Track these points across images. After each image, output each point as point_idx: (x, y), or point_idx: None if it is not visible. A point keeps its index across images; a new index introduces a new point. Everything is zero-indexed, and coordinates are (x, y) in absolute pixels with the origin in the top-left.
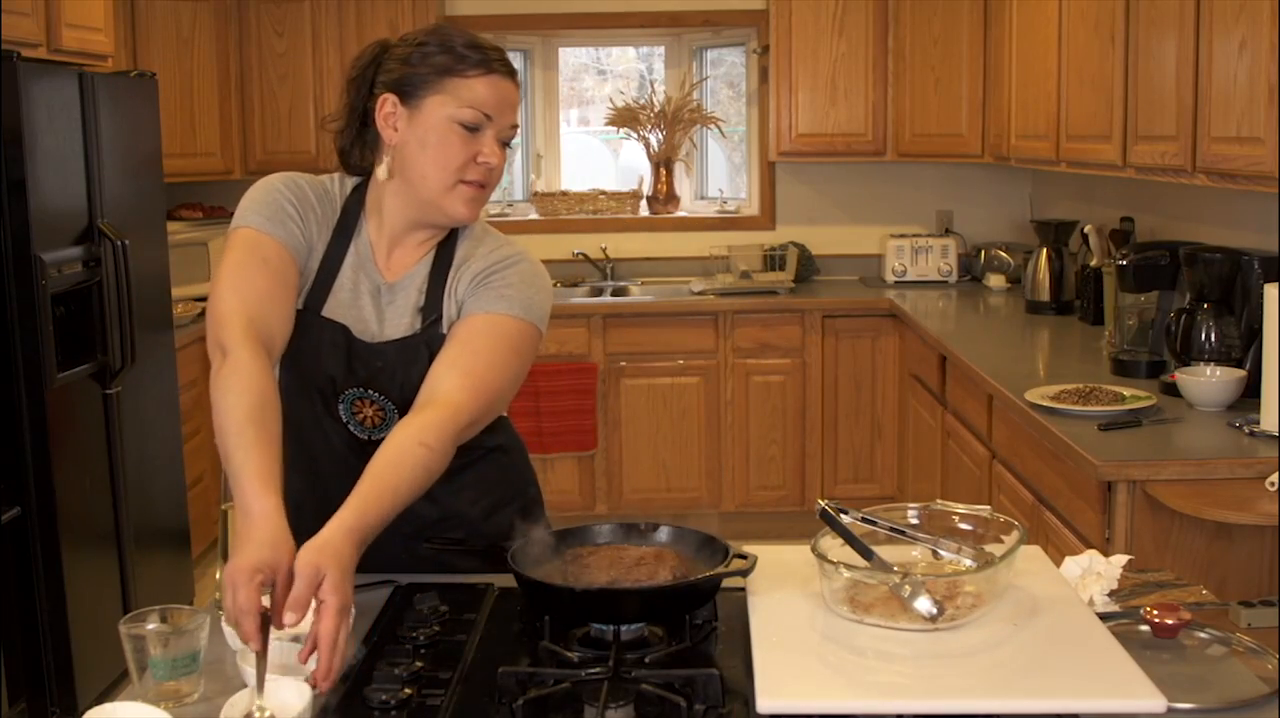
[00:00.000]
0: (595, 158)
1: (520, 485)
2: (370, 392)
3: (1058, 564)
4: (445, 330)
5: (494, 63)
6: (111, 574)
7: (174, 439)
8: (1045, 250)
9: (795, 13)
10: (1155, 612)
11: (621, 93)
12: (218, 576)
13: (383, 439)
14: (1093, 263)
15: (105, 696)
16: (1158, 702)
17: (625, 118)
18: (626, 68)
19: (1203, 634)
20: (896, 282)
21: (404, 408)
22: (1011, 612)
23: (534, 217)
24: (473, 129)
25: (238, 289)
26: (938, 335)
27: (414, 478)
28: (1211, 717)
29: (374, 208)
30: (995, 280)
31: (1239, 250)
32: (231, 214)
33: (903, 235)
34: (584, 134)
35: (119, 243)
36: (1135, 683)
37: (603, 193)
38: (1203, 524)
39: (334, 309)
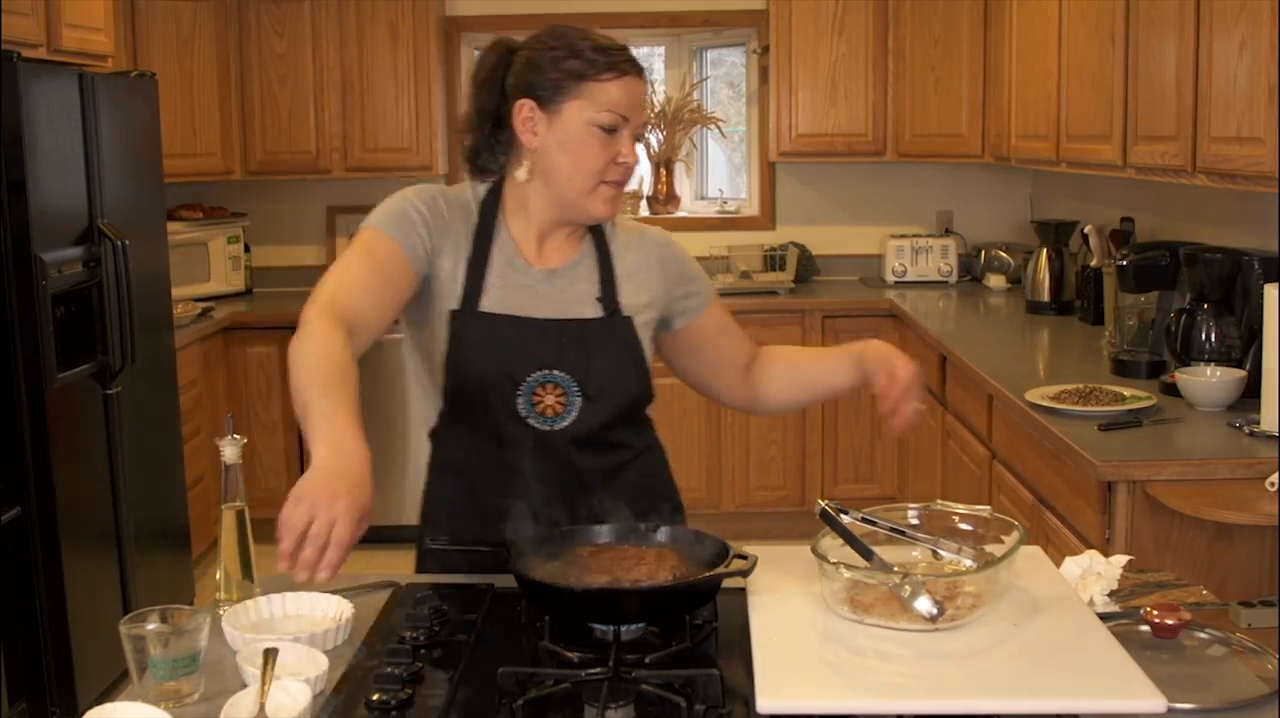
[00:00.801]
0: None
1: (669, 486)
2: (554, 373)
3: (1058, 564)
4: (627, 314)
5: (625, 64)
6: (111, 574)
7: (174, 439)
8: (1045, 250)
9: (795, 13)
10: (1155, 612)
11: None
12: (218, 576)
13: (563, 430)
14: (1093, 263)
15: (105, 696)
16: (1158, 702)
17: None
18: None
19: (1203, 634)
20: (896, 282)
21: (585, 391)
22: (1011, 612)
23: None
24: (610, 131)
25: (336, 274)
26: (938, 336)
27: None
28: (1211, 717)
29: (515, 207)
30: (995, 281)
31: (1239, 250)
32: (231, 214)
33: (903, 235)
34: None
35: (119, 243)
36: (1135, 683)
37: None
38: (1203, 524)
39: (493, 303)
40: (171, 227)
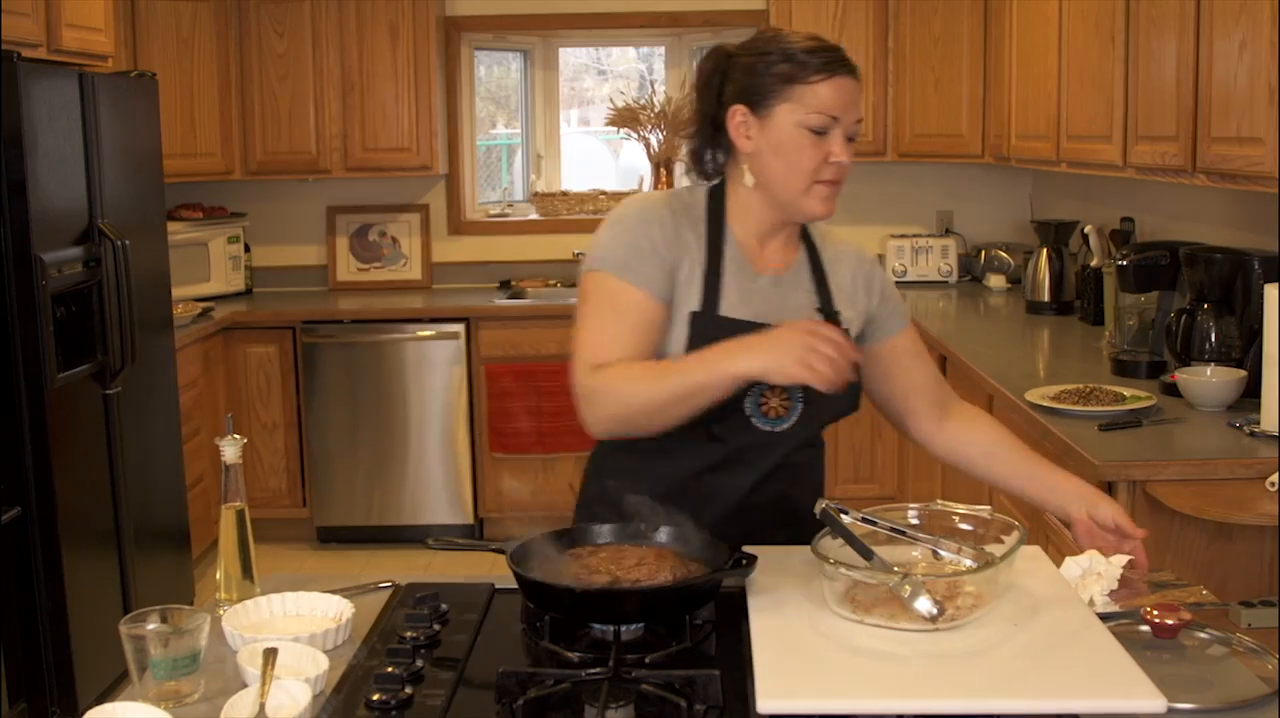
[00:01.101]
0: (595, 158)
1: (823, 484)
2: None
3: (1058, 564)
4: (845, 327)
5: (835, 65)
6: (111, 574)
7: (174, 439)
8: (1045, 250)
9: (795, 13)
10: (1155, 612)
11: (622, 93)
12: (218, 576)
13: (786, 430)
14: (1093, 263)
15: (105, 696)
16: (1158, 702)
17: (625, 118)
18: (626, 68)
19: (1203, 634)
20: (897, 282)
21: (808, 396)
22: (1011, 612)
23: (534, 217)
24: (820, 132)
25: (588, 340)
26: (938, 336)
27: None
28: (1211, 717)
29: (738, 209)
30: (995, 280)
31: (1239, 250)
32: (231, 214)
33: (903, 235)
34: (584, 134)
35: (119, 243)
36: (1135, 683)
37: (603, 193)
38: (1203, 524)
39: (731, 308)
40: (171, 227)
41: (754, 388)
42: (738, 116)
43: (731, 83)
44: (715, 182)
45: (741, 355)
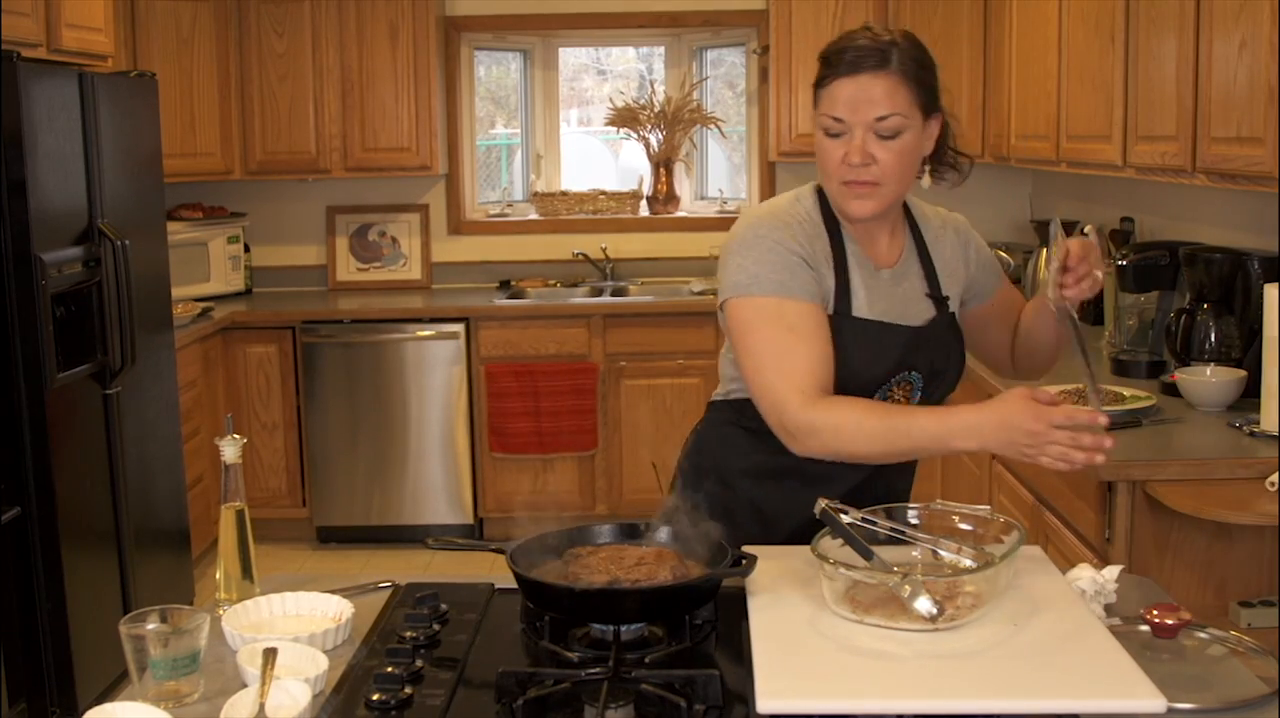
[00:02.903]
0: (595, 158)
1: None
2: (911, 373)
3: (1058, 565)
4: (951, 310)
5: (843, 65)
6: (111, 574)
7: (174, 439)
8: (1045, 250)
9: (795, 13)
10: (1155, 612)
11: (621, 93)
12: (218, 576)
13: None
14: None
15: (105, 696)
16: (1158, 702)
17: (625, 118)
18: (626, 68)
19: (1203, 634)
20: None
21: (929, 385)
22: (1011, 612)
23: (534, 217)
24: (834, 135)
25: (778, 368)
26: None
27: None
28: (1211, 717)
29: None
30: None
31: (1239, 250)
32: (231, 214)
33: None
34: (584, 134)
35: (119, 243)
36: (1135, 683)
37: (603, 193)
38: (1203, 524)
39: (861, 308)
40: (171, 226)
41: (884, 386)
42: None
43: None
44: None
45: (972, 438)
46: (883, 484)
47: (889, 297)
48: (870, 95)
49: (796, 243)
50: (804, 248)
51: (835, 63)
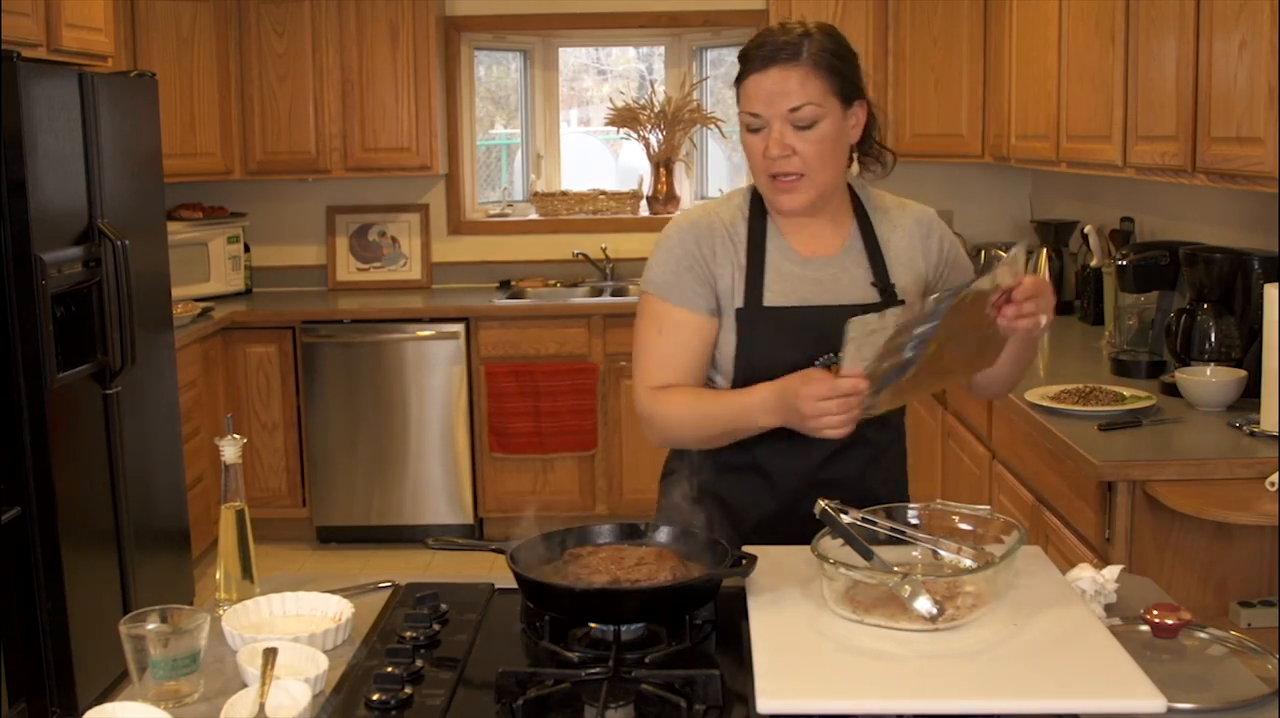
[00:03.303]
0: (595, 158)
1: (905, 473)
2: (836, 355)
3: (1058, 564)
4: (902, 298)
5: (757, 61)
6: (111, 574)
7: (174, 439)
8: (1045, 250)
9: (795, 13)
10: (1155, 612)
11: (621, 93)
12: (218, 576)
13: None
14: (1093, 263)
15: (105, 696)
16: (1158, 702)
17: (625, 118)
18: (626, 68)
19: (1203, 634)
20: None
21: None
22: (1011, 612)
23: (534, 216)
24: (755, 129)
25: (640, 362)
26: None
27: (1027, 358)
28: (1211, 717)
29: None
30: None
31: (1239, 250)
32: (231, 214)
33: None
34: (584, 134)
35: (119, 243)
36: (1135, 683)
37: (603, 193)
38: (1203, 524)
39: (776, 298)
40: (171, 226)
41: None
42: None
43: None
44: None
45: (768, 414)
46: (837, 473)
47: (816, 283)
48: (783, 87)
49: (698, 247)
50: (704, 252)
51: (751, 59)
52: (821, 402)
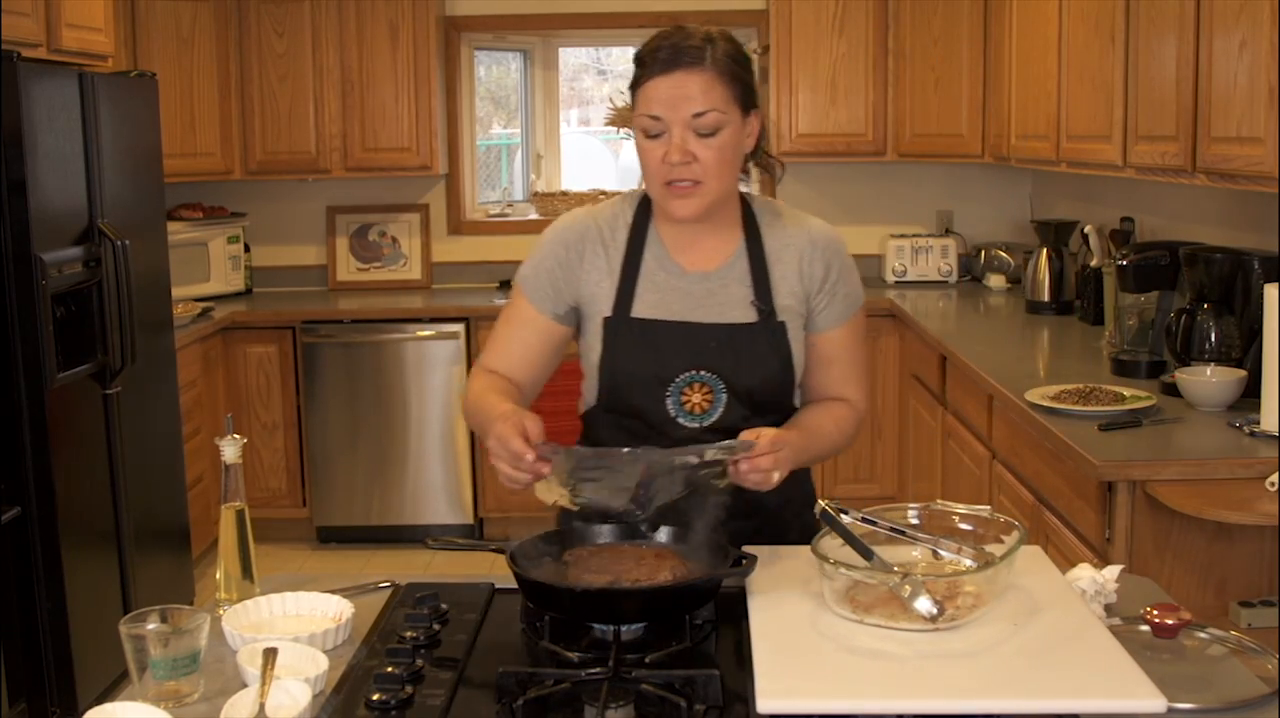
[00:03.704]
0: (595, 158)
1: (811, 484)
2: (701, 373)
3: (1058, 564)
4: (781, 319)
5: (658, 64)
6: (111, 574)
7: (174, 439)
8: (1045, 250)
9: (795, 13)
10: (1155, 612)
11: (621, 93)
12: (218, 576)
13: (713, 425)
14: (1093, 263)
15: (105, 696)
16: (1158, 702)
17: (625, 118)
18: (626, 68)
19: (1203, 634)
20: (897, 282)
21: (734, 391)
22: (1011, 612)
23: (534, 216)
24: (653, 135)
25: (492, 346)
26: (938, 335)
27: (831, 443)
28: (1211, 717)
29: (661, 210)
30: (995, 280)
31: (1239, 250)
32: (231, 214)
33: (903, 235)
34: (584, 134)
35: (119, 243)
36: (1135, 683)
37: (603, 193)
38: (1203, 524)
39: (644, 308)
40: (171, 226)
41: (673, 387)
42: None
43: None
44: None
45: (492, 436)
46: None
47: (690, 296)
48: (687, 92)
49: (566, 252)
50: (572, 258)
51: (651, 61)
52: (499, 446)
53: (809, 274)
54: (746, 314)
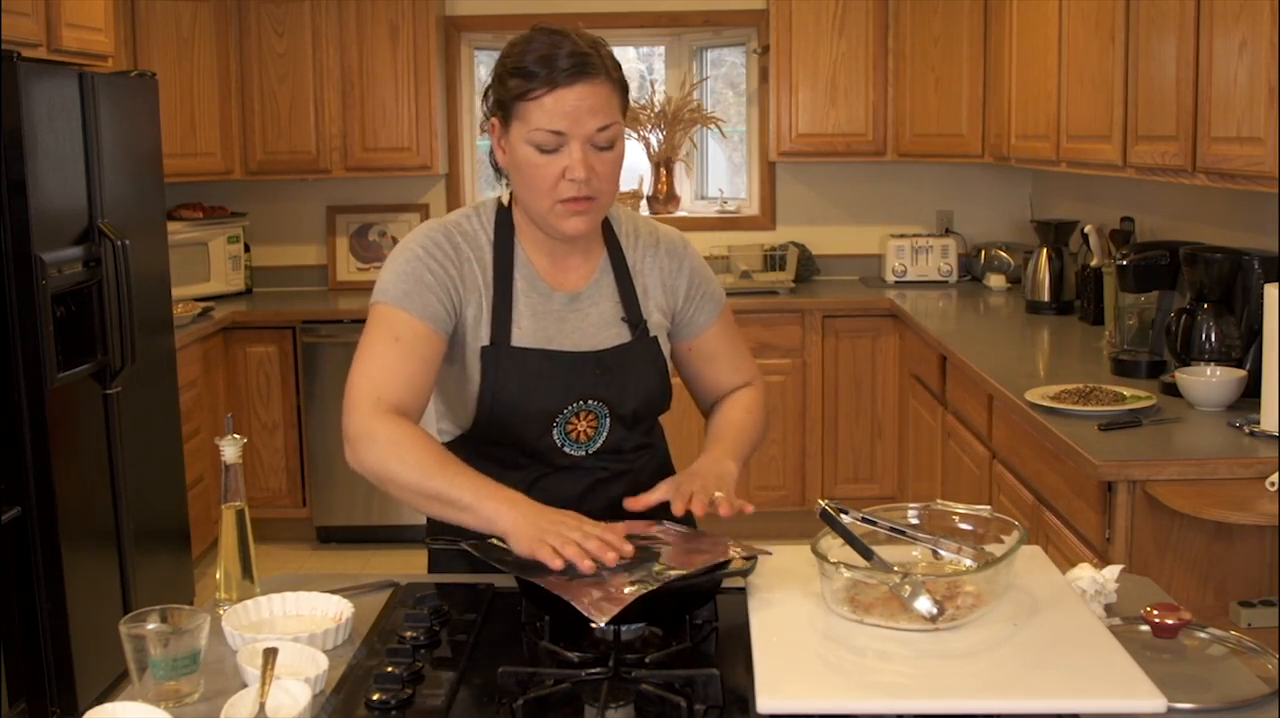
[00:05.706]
0: None
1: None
2: (589, 402)
3: (1058, 564)
4: (653, 334)
5: (559, 74)
6: (111, 574)
7: (174, 439)
8: (1045, 250)
9: (795, 13)
10: (1155, 612)
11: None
12: (218, 576)
13: (598, 451)
14: (1093, 263)
15: (105, 696)
16: (1158, 702)
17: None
18: (627, 68)
19: (1203, 634)
20: (897, 282)
21: (617, 415)
22: (1011, 612)
23: None
24: (550, 150)
25: (367, 371)
26: (938, 335)
27: (756, 432)
28: (1211, 717)
29: (525, 227)
30: (995, 280)
31: (1239, 250)
32: (231, 214)
33: (903, 235)
34: None
35: (119, 243)
36: (1135, 683)
37: None
38: (1203, 524)
39: (524, 337)
40: (171, 226)
41: (560, 418)
42: (495, 131)
43: (491, 91)
44: (507, 200)
45: (501, 518)
46: (600, 501)
47: (562, 320)
48: (592, 104)
49: (437, 263)
50: (445, 270)
51: (548, 72)
52: (581, 535)
53: (672, 289)
54: (620, 333)
